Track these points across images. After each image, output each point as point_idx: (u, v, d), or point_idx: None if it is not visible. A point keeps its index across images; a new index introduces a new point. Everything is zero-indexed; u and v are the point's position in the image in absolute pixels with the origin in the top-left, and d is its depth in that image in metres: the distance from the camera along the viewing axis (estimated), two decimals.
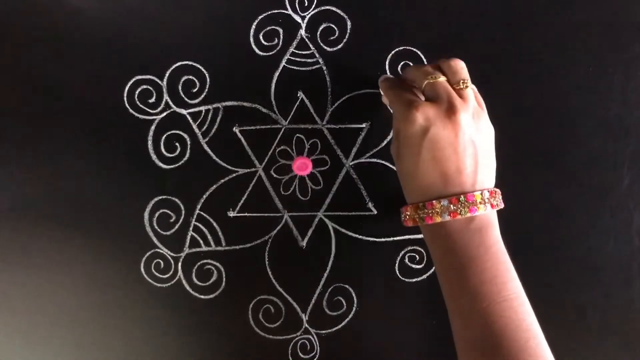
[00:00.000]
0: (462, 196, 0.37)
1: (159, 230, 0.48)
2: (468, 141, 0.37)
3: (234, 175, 0.48)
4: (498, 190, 0.39)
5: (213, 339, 0.49)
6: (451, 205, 0.37)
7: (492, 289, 0.36)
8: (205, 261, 0.48)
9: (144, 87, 0.47)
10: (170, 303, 0.48)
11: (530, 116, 0.48)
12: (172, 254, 0.48)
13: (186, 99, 0.48)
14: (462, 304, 0.37)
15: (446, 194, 0.37)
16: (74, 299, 0.48)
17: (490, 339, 0.35)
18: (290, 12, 0.48)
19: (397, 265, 0.48)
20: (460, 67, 0.39)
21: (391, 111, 0.42)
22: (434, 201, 0.37)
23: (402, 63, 0.48)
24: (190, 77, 0.47)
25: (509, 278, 0.37)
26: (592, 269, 0.48)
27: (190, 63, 0.47)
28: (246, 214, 0.48)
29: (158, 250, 0.48)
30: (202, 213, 0.48)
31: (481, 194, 0.37)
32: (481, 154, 0.38)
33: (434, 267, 0.48)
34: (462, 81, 0.39)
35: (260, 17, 0.47)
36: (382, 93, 0.45)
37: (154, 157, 0.48)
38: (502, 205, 0.39)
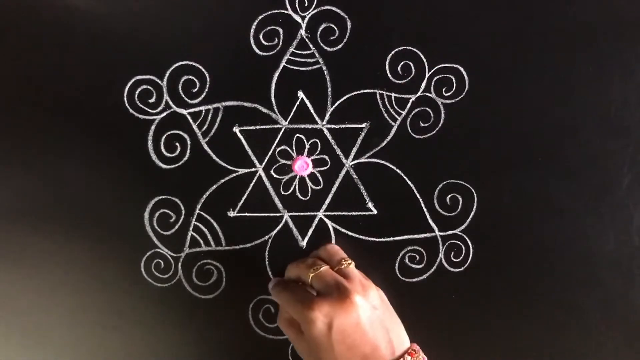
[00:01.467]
0: None
1: (159, 230, 0.48)
2: (371, 317, 0.38)
3: (234, 175, 0.48)
4: (415, 346, 0.40)
5: (213, 339, 0.49)
6: None
7: None
8: (205, 261, 0.48)
9: (144, 87, 0.47)
10: (170, 303, 0.48)
11: (530, 116, 0.48)
12: (172, 254, 0.48)
13: (186, 99, 0.48)
14: None
15: None
16: (74, 299, 0.48)
17: None
18: (290, 12, 0.47)
19: (397, 265, 0.48)
20: (336, 250, 0.42)
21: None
22: None
23: (402, 63, 0.48)
24: (190, 77, 0.47)
25: None
26: (592, 269, 0.48)
27: (190, 63, 0.47)
28: (246, 214, 0.48)
29: (158, 250, 0.48)
30: (202, 213, 0.48)
31: (403, 357, 0.38)
32: (386, 321, 0.39)
33: (434, 267, 0.49)
34: (342, 260, 0.41)
35: (260, 17, 0.47)
36: (271, 293, 0.46)
37: (154, 157, 0.48)
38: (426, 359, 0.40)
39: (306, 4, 0.47)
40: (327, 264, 0.41)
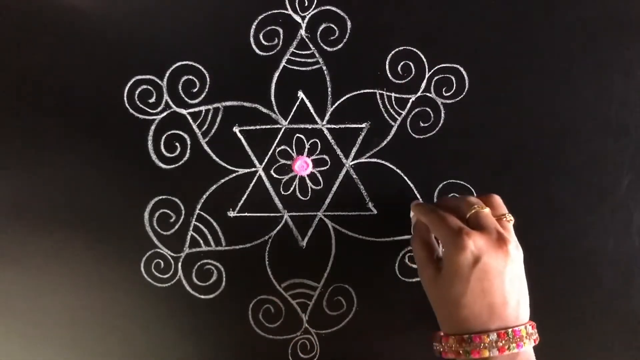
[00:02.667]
0: (509, 330, 0.37)
1: (159, 230, 0.48)
2: (515, 274, 0.38)
3: (234, 175, 0.48)
4: (534, 324, 0.39)
5: (213, 339, 0.49)
6: (499, 340, 0.36)
7: None
8: (205, 261, 0.48)
9: (144, 87, 0.47)
10: (170, 303, 0.48)
11: (530, 116, 0.48)
12: (172, 254, 0.48)
13: (186, 99, 0.48)
14: None
15: (490, 327, 0.37)
16: (74, 299, 0.48)
17: None
18: (290, 12, 0.47)
19: (397, 265, 0.48)
20: (501, 202, 0.41)
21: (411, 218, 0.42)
22: (482, 335, 0.37)
23: (402, 63, 0.48)
24: (190, 77, 0.47)
25: None
26: (592, 269, 0.48)
27: (190, 63, 0.47)
28: (246, 214, 0.48)
29: (158, 250, 0.48)
30: (202, 213, 0.48)
31: (525, 327, 0.37)
32: (523, 288, 0.39)
33: None
34: (506, 214, 0.40)
35: (260, 17, 0.47)
36: (413, 215, 0.44)
37: (154, 157, 0.48)
38: (538, 340, 0.39)
39: (306, 4, 0.47)
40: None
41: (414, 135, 0.48)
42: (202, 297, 0.48)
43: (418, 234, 0.43)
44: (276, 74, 0.48)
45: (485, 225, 0.38)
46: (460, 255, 0.37)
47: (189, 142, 0.48)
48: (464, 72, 0.48)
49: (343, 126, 0.48)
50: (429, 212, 0.41)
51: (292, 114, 0.48)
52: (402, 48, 0.48)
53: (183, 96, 0.48)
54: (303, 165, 0.48)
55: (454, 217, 0.39)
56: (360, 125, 0.48)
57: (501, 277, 0.37)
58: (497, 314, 0.37)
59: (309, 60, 0.48)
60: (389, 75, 0.48)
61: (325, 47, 0.48)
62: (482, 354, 0.36)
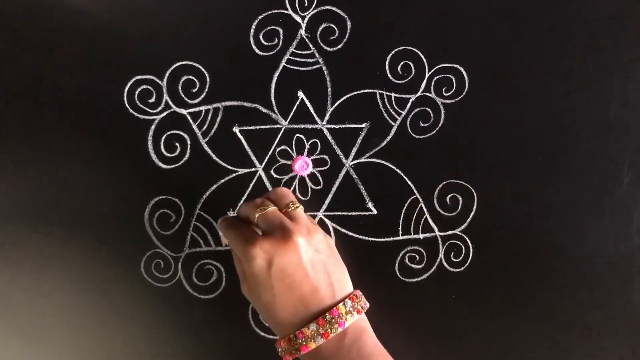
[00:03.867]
0: (327, 314, 0.37)
1: (159, 230, 0.48)
2: (313, 258, 0.38)
3: (234, 175, 0.48)
4: (358, 292, 0.40)
5: (213, 339, 0.49)
6: (320, 327, 0.37)
7: None
8: (205, 261, 0.48)
9: (144, 87, 0.47)
10: (170, 303, 0.48)
11: (530, 116, 0.48)
12: (172, 254, 0.48)
13: (186, 99, 0.48)
14: None
15: (310, 316, 0.38)
16: (74, 299, 0.48)
17: None
18: (290, 12, 0.47)
19: (397, 265, 0.48)
20: (285, 192, 0.42)
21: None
22: (303, 329, 0.37)
23: (402, 63, 0.48)
24: (190, 77, 0.47)
25: None
26: (592, 269, 0.48)
27: (190, 63, 0.47)
28: None
29: (158, 250, 0.48)
30: (202, 213, 0.48)
31: (344, 304, 0.38)
32: (329, 265, 0.39)
33: (434, 267, 0.49)
34: (290, 203, 0.40)
35: (260, 17, 0.47)
36: (221, 234, 0.45)
37: (154, 157, 0.48)
38: (367, 306, 0.40)
39: (306, 4, 0.47)
40: (276, 205, 0.41)
41: (414, 135, 0.48)
42: (202, 297, 0.48)
43: (232, 252, 0.43)
44: (276, 74, 0.48)
45: (269, 225, 0.39)
46: (253, 265, 0.37)
47: (189, 142, 0.48)
48: (464, 72, 0.48)
49: (343, 126, 0.48)
50: (226, 230, 0.41)
51: (292, 114, 0.48)
52: (402, 48, 0.48)
53: (183, 96, 0.48)
54: (303, 165, 0.48)
55: (244, 229, 0.40)
56: (360, 125, 0.48)
57: (300, 268, 0.37)
58: (311, 302, 0.38)
59: (309, 60, 0.48)
60: (389, 75, 0.48)
61: (325, 47, 0.48)
62: (309, 345, 0.37)
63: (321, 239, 0.40)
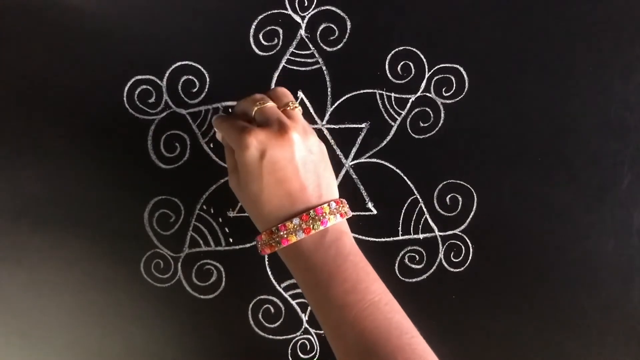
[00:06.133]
0: (311, 211, 0.38)
1: (159, 230, 0.48)
2: (306, 157, 0.38)
3: None
4: (344, 200, 0.40)
5: (213, 339, 0.49)
6: (303, 223, 0.37)
7: (357, 296, 0.37)
8: (205, 261, 0.48)
9: (144, 87, 0.47)
10: (170, 303, 0.48)
11: (530, 116, 0.48)
12: (172, 254, 0.48)
13: (186, 99, 0.48)
14: (332, 317, 0.37)
15: (294, 212, 0.38)
16: (74, 299, 0.48)
17: (364, 344, 0.36)
18: (290, 12, 0.47)
19: (397, 265, 0.48)
20: (285, 92, 0.41)
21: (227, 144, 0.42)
22: (286, 222, 0.38)
23: (401, 63, 0.48)
24: (190, 77, 0.47)
25: (371, 281, 0.38)
26: (592, 269, 0.48)
27: (190, 63, 0.47)
28: (246, 214, 0.48)
29: (158, 250, 0.48)
30: (202, 213, 0.48)
31: (328, 205, 0.38)
32: (320, 168, 0.39)
33: (434, 267, 0.49)
34: (290, 102, 0.40)
35: (260, 17, 0.47)
36: (216, 130, 0.45)
37: (153, 157, 0.48)
38: (350, 214, 0.40)
39: (306, 4, 0.47)
40: (275, 103, 0.41)
41: (413, 135, 0.48)
42: (202, 297, 0.48)
43: (225, 146, 0.43)
44: (276, 74, 0.48)
45: (266, 118, 0.38)
46: (246, 154, 0.37)
47: (188, 142, 0.48)
48: (464, 72, 0.48)
49: (343, 126, 0.48)
50: (220, 122, 0.41)
51: None
52: (402, 48, 0.48)
53: (183, 96, 0.48)
54: None
55: (240, 120, 0.40)
56: (360, 125, 0.48)
57: (292, 164, 0.38)
58: (298, 199, 0.38)
59: (309, 60, 0.48)
60: (389, 75, 0.48)
61: (325, 47, 0.48)
62: (290, 239, 0.37)
63: (315, 141, 0.40)
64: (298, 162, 0.38)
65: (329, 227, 0.38)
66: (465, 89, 0.48)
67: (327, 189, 0.39)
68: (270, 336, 0.49)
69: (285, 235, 0.38)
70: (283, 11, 0.47)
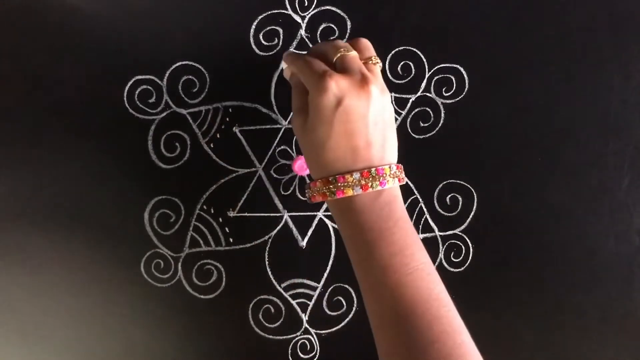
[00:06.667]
0: (372, 169, 0.37)
1: (159, 230, 0.48)
2: (378, 115, 0.37)
3: (234, 175, 0.48)
4: (401, 166, 0.39)
5: (213, 339, 0.49)
6: (362, 179, 0.37)
7: (402, 260, 0.36)
8: (205, 261, 0.48)
9: (144, 87, 0.47)
10: (170, 303, 0.48)
11: (530, 116, 0.48)
12: (172, 254, 0.48)
13: (186, 99, 0.48)
14: (373, 278, 0.37)
15: (355, 168, 0.37)
16: (74, 299, 0.48)
17: (402, 310, 0.35)
18: (290, 12, 0.47)
19: None
20: (370, 46, 0.40)
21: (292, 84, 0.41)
22: (346, 174, 0.37)
23: (402, 63, 0.48)
24: (190, 77, 0.47)
25: (417, 249, 0.37)
26: (592, 269, 0.48)
27: (190, 63, 0.47)
28: (246, 214, 0.48)
29: (158, 250, 0.48)
30: (202, 213, 0.48)
31: (389, 167, 0.37)
32: (388, 129, 0.38)
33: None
34: (373, 57, 0.39)
35: (260, 17, 0.47)
36: (284, 66, 0.43)
37: (154, 157, 0.48)
38: (405, 180, 0.39)
39: (306, 4, 0.47)
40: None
41: (414, 135, 0.48)
42: (202, 297, 0.48)
43: (294, 84, 0.42)
44: (276, 74, 0.48)
45: (349, 67, 0.37)
46: (323, 97, 0.36)
47: (188, 142, 0.48)
48: (464, 72, 0.48)
49: None
50: (296, 59, 0.40)
51: (292, 114, 0.48)
52: (402, 48, 0.48)
53: (183, 96, 0.48)
54: (303, 166, 0.48)
55: (320, 62, 0.38)
56: None
57: (364, 119, 0.37)
58: (361, 155, 0.37)
59: None
60: (389, 75, 0.48)
61: None
62: (346, 192, 0.37)
63: (390, 103, 0.39)
64: (370, 119, 0.37)
65: (385, 189, 0.37)
66: (465, 89, 0.48)
67: (390, 151, 0.39)
68: (270, 336, 0.49)
69: (342, 188, 0.37)
70: (283, 11, 0.47)
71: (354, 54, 0.38)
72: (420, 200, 0.48)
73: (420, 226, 0.48)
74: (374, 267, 0.37)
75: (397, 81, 0.48)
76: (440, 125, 0.48)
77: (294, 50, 0.42)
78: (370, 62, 0.39)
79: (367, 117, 0.37)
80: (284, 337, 0.48)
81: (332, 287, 0.48)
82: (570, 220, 0.48)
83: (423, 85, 0.48)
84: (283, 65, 0.43)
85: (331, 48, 0.39)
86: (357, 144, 0.37)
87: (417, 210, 0.48)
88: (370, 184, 0.37)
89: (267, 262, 0.48)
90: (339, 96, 0.36)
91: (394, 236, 0.37)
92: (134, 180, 0.48)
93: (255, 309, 0.48)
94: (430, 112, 0.48)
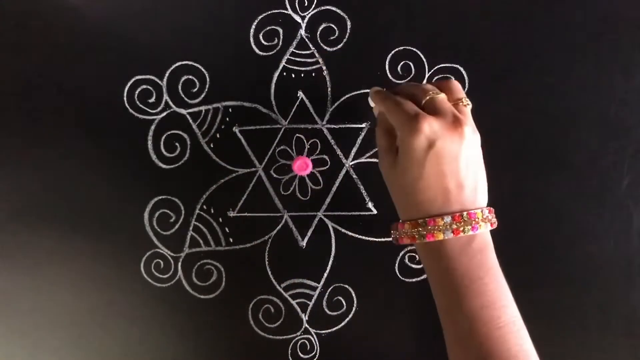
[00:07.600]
0: (464, 213, 0.36)
1: (159, 230, 0.48)
2: (470, 157, 0.37)
3: (234, 175, 0.48)
4: (493, 209, 0.39)
5: (213, 339, 0.49)
6: (454, 223, 0.36)
7: (493, 313, 0.35)
8: (205, 261, 0.48)
9: (144, 87, 0.47)
10: (170, 303, 0.48)
11: (530, 116, 0.48)
12: (172, 254, 0.48)
13: (186, 99, 0.48)
14: (460, 326, 0.36)
15: (446, 211, 0.36)
16: (74, 299, 0.48)
17: None
18: (290, 12, 0.47)
19: (397, 265, 0.48)
20: (459, 87, 0.40)
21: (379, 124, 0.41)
22: (436, 217, 0.36)
23: (401, 63, 0.48)
24: (190, 77, 0.47)
25: (508, 302, 0.37)
26: (592, 269, 0.48)
27: (190, 63, 0.47)
28: (246, 214, 0.48)
29: (158, 250, 0.48)
30: (202, 213, 0.48)
31: (481, 211, 0.37)
32: (479, 171, 0.38)
33: None
34: (463, 98, 0.39)
35: (260, 17, 0.47)
36: (373, 104, 0.44)
37: (154, 157, 0.48)
38: (496, 225, 0.39)
39: (306, 4, 0.47)
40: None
41: None
42: (202, 297, 0.48)
43: (380, 122, 0.41)
44: (276, 74, 0.48)
45: (440, 109, 0.37)
46: (415, 139, 0.36)
47: (188, 142, 0.48)
48: (464, 72, 0.48)
49: (343, 126, 0.48)
50: (386, 99, 0.39)
51: (292, 114, 0.48)
52: (402, 48, 0.48)
53: (183, 96, 0.48)
54: (303, 166, 0.48)
55: (411, 103, 0.38)
56: (360, 125, 0.48)
57: (457, 161, 0.36)
58: (453, 198, 0.36)
59: (309, 60, 0.48)
60: (389, 75, 0.48)
61: (325, 47, 0.48)
62: (437, 236, 0.36)
63: (479, 143, 0.38)
64: (462, 161, 0.36)
65: (477, 234, 0.36)
66: (465, 89, 0.48)
67: (482, 194, 0.38)
68: (270, 336, 0.49)
69: (433, 231, 0.36)
70: (283, 11, 0.47)
71: (443, 96, 0.38)
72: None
73: None
74: (463, 317, 0.36)
75: (397, 81, 0.48)
76: None
77: (380, 89, 0.42)
78: (461, 103, 0.39)
79: (459, 159, 0.36)
80: (284, 337, 0.49)
81: (332, 287, 0.48)
82: (570, 220, 0.48)
83: None
84: (371, 102, 0.44)
85: (420, 90, 0.39)
86: (449, 186, 0.36)
87: None
88: (462, 228, 0.36)
89: (267, 262, 0.48)
90: (431, 138, 0.36)
91: (486, 287, 0.36)
92: (134, 180, 0.48)
93: (255, 309, 0.48)
94: None
